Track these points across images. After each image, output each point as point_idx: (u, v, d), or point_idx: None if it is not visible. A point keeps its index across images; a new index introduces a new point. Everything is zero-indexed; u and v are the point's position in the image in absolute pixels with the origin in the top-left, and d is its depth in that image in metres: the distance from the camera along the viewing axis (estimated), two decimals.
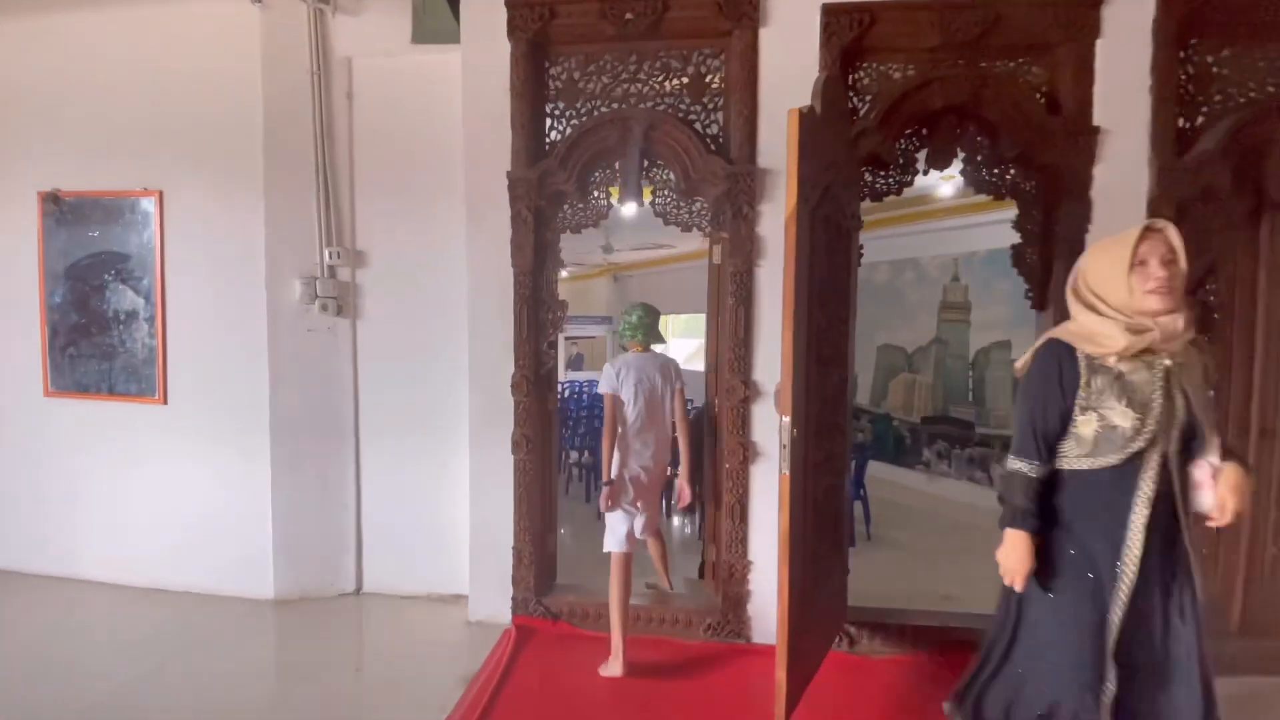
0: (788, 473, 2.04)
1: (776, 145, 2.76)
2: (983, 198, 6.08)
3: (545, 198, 2.92)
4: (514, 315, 2.98)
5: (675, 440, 2.92)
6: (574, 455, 6.50)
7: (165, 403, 3.41)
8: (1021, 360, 1.76)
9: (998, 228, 6.09)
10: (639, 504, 2.81)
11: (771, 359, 2.84)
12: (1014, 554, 1.69)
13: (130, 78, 3.33)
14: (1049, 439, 1.68)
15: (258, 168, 3.25)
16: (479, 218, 3.01)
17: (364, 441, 3.44)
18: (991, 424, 6.23)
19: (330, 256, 3.30)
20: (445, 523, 3.31)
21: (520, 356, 2.99)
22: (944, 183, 5.97)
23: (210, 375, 3.38)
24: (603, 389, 2.87)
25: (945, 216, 6.41)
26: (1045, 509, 1.70)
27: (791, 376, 2.03)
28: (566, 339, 11.92)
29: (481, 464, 3.07)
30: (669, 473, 3.06)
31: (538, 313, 3.01)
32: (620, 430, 2.79)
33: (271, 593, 3.36)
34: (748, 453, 2.90)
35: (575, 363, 12.82)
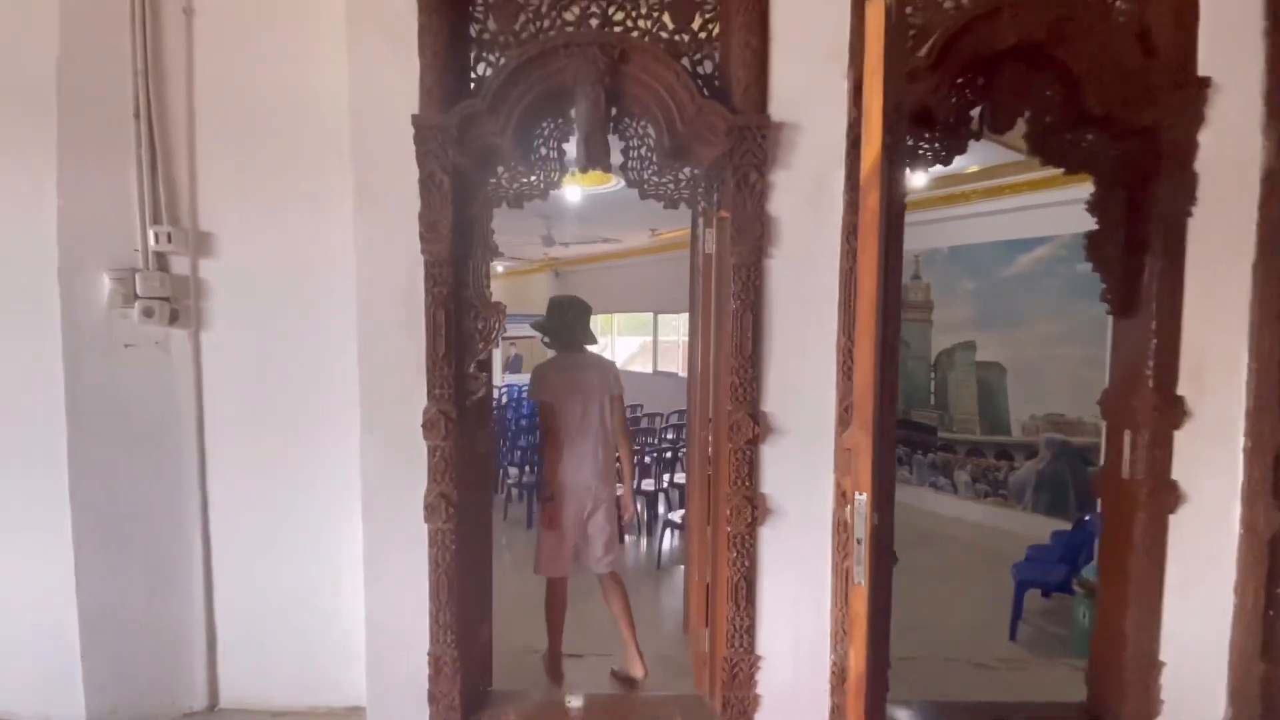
0: (864, 583, 1.28)
1: (795, 90, 2.08)
2: (945, 191, 5.79)
3: (470, 155, 2.05)
4: (426, 324, 2.09)
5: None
6: (513, 473, 6.20)
7: None
8: None
9: (961, 223, 5.82)
10: (586, 527, 2.75)
11: (790, 384, 2.13)
12: None
13: None
14: None
15: (49, 115, 2.27)
16: (373, 183, 2.11)
17: (214, 504, 2.50)
18: (954, 428, 6.05)
19: (158, 240, 2.35)
20: (333, 613, 2.42)
21: (436, 382, 2.11)
22: (915, 173, 5.49)
23: None
24: (536, 396, 2.78)
25: (905, 211, 6.06)
26: None
27: (873, 429, 1.26)
28: (503, 339, 11.30)
29: (380, 537, 2.17)
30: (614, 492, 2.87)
31: (461, 320, 2.14)
32: (557, 440, 2.72)
33: (83, 717, 2.38)
34: (756, 511, 2.13)
35: (513, 364, 12.38)
